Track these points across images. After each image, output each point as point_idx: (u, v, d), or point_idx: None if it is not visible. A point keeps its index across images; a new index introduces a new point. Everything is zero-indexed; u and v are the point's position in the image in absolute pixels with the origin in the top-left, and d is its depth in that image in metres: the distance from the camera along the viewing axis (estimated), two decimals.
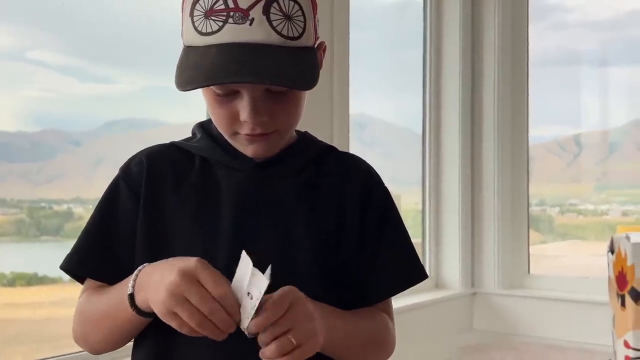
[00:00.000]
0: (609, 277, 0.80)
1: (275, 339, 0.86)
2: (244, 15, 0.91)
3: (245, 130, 0.97)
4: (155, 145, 1.10)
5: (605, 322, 0.96)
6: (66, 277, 1.07)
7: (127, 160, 1.09)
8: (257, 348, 0.88)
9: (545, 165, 3.54)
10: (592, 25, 3.34)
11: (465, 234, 3.11)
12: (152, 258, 0.95)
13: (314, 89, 0.95)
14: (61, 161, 2.06)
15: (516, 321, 3.06)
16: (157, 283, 0.88)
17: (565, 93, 3.37)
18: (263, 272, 0.84)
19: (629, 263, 0.75)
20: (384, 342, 1.09)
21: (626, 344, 0.76)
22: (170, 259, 0.91)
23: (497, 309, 3.11)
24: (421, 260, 1.14)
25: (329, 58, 2.26)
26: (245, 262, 0.87)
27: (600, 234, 3.43)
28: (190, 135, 1.12)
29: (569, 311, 2.91)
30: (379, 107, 3.12)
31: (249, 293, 0.85)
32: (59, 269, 1.06)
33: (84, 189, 2.03)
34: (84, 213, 1.91)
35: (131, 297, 0.93)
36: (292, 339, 0.86)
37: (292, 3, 0.94)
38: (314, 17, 0.98)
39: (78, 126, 2.00)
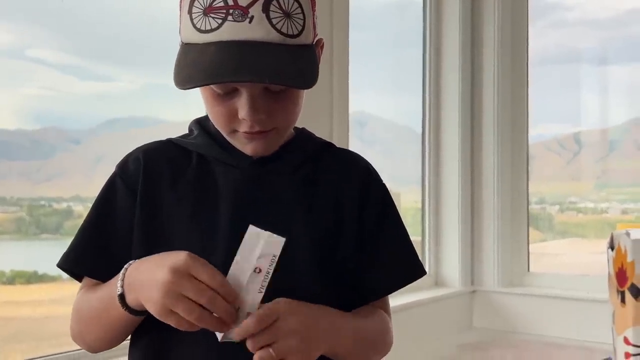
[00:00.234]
0: (608, 273, 0.80)
1: (260, 349, 0.86)
2: (243, 13, 0.90)
3: (243, 128, 0.96)
4: (152, 142, 1.09)
5: (605, 319, 0.96)
6: (66, 275, 1.07)
7: (123, 157, 1.08)
8: None
9: (545, 163, 3.53)
10: (592, 23, 3.34)
11: (465, 232, 3.11)
12: (150, 255, 0.94)
13: (314, 86, 0.94)
14: (61, 159, 2.06)
15: (516, 319, 3.06)
16: (148, 282, 0.87)
17: (565, 91, 3.37)
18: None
19: (629, 259, 0.75)
20: (384, 341, 1.09)
21: (626, 340, 0.76)
22: (156, 256, 0.91)
23: (496, 307, 3.11)
24: (421, 258, 1.13)
25: (328, 55, 2.26)
26: (252, 235, 0.86)
27: (600, 232, 3.43)
28: (187, 132, 1.11)
29: (569, 309, 2.91)
30: (379, 105, 3.12)
31: (256, 268, 0.85)
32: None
33: (83, 187, 2.02)
34: (84, 211, 1.89)
35: (121, 297, 0.92)
36: (272, 353, 0.86)
37: (291, 0, 0.93)
38: (313, 15, 0.98)
39: (78, 124, 2.00)
